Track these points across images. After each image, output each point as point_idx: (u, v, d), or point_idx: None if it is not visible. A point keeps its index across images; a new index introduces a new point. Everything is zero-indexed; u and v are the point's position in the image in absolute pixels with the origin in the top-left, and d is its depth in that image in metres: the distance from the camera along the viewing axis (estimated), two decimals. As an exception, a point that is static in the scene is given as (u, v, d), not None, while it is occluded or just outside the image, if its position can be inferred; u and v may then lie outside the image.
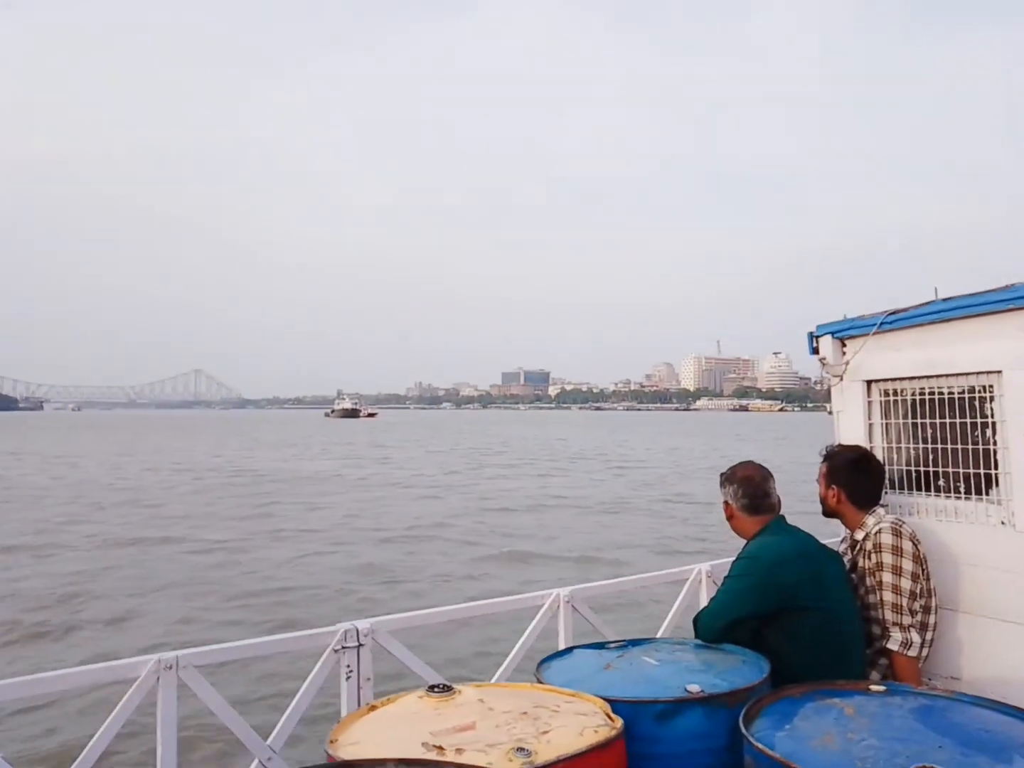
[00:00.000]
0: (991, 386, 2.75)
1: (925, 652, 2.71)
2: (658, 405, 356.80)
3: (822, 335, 3.24)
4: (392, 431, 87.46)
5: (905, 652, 2.66)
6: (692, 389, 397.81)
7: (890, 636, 2.69)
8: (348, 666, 2.85)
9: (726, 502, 2.87)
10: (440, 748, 1.67)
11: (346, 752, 1.68)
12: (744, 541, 2.80)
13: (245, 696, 6.39)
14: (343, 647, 2.84)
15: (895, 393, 3.09)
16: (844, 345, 3.21)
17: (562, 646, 3.27)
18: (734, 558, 2.78)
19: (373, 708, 1.99)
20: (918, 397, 3.00)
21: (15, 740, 6.12)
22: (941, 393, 2.92)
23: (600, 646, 2.56)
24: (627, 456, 43.21)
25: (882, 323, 3.00)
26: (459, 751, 1.65)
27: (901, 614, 2.69)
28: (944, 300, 2.83)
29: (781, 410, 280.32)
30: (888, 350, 3.03)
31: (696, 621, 2.64)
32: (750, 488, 2.80)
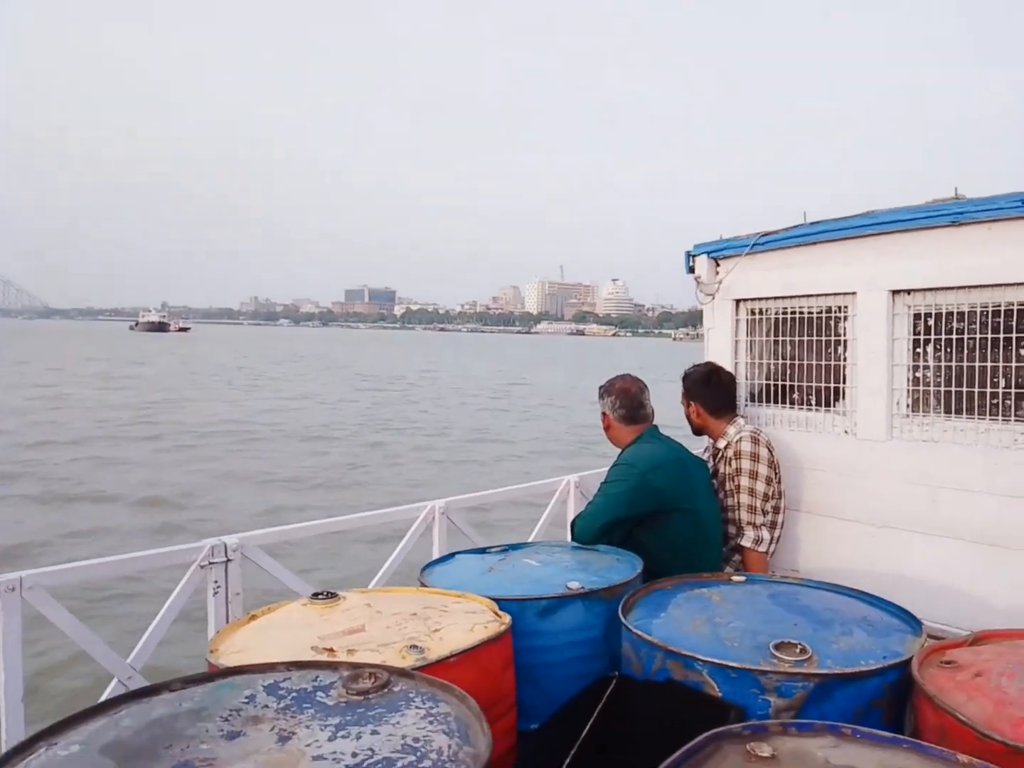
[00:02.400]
0: (846, 307, 2.97)
1: (773, 548, 2.99)
2: (502, 328, 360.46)
3: (698, 254, 3.36)
4: (187, 347, 78.82)
5: (756, 548, 2.92)
6: (535, 313, 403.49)
7: (744, 534, 2.93)
8: (216, 582, 2.74)
9: (604, 413, 2.97)
10: (331, 650, 1.64)
11: (229, 660, 1.61)
12: (619, 450, 2.92)
13: (104, 616, 6.04)
14: (210, 562, 2.72)
15: (760, 312, 3.27)
16: (718, 265, 3.34)
17: (436, 556, 3.32)
18: (608, 467, 2.90)
19: (254, 617, 1.92)
20: (781, 316, 3.20)
21: None
22: (802, 312, 3.13)
23: (482, 551, 2.61)
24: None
25: (755, 244, 3.14)
26: (351, 652, 1.63)
27: (755, 514, 2.93)
28: (811, 224, 3.00)
29: (614, 335, 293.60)
30: (758, 270, 3.20)
31: (573, 525, 2.75)
32: (626, 399, 2.91)
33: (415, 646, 1.65)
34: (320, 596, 1.99)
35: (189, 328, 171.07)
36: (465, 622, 1.81)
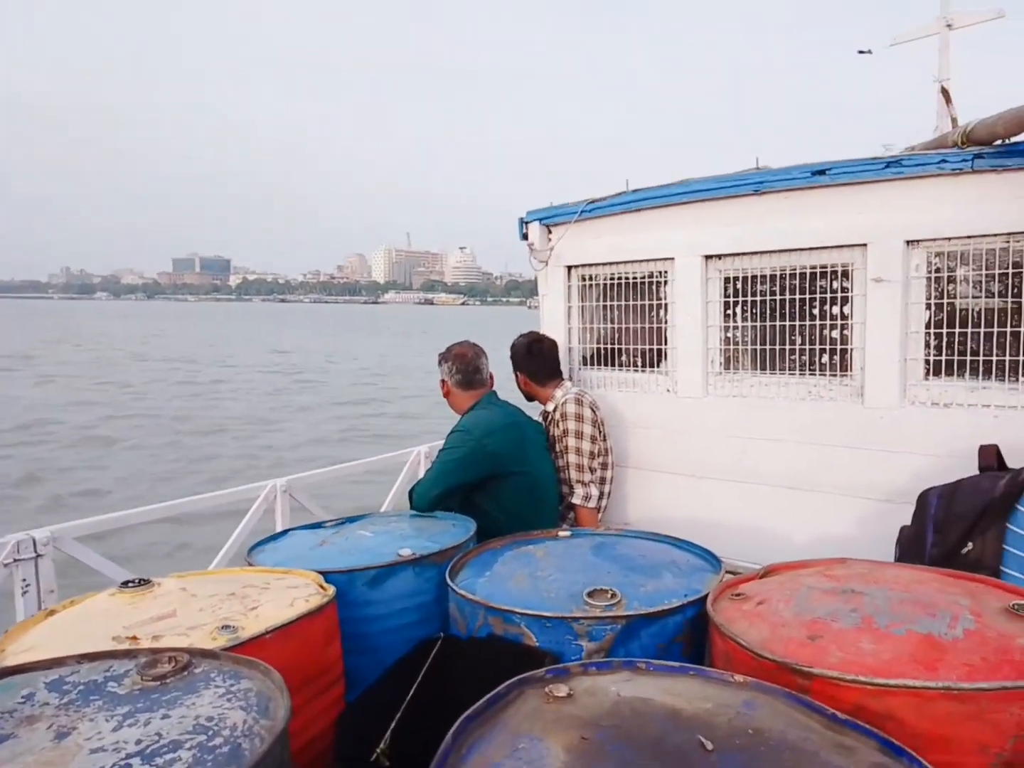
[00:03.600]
0: (666, 271, 3.14)
1: (604, 503, 3.15)
2: (347, 298, 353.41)
3: (531, 221, 3.42)
4: None
5: (586, 504, 3.06)
6: (382, 282, 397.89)
7: (574, 492, 3.07)
8: (24, 580, 2.53)
9: (442, 380, 2.98)
10: (134, 638, 1.55)
11: (16, 660, 1.48)
12: (458, 416, 2.95)
13: None
14: (15, 559, 2.51)
15: (590, 278, 3.40)
16: (550, 232, 3.42)
17: (275, 535, 3.23)
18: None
19: (52, 613, 1.78)
20: (609, 281, 3.33)
21: None
22: (627, 278, 3.27)
23: (317, 525, 2.57)
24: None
25: (582, 211, 3.24)
26: (156, 638, 1.56)
27: (583, 472, 3.07)
28: (633, 192, 3.13)
29: (463, 304, 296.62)
30: (587, 237, 3.30)
31: (411, 494, 2.75)
32: (463, 364, 2.94)
33: (227, 626, 1.59)
34: (131, 584, 1.88)
35: None
36: (285, 597, 1.77)
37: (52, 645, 1.57)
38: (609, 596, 1.76)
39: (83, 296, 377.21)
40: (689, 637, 1.76)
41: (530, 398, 3.29)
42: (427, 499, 2.67)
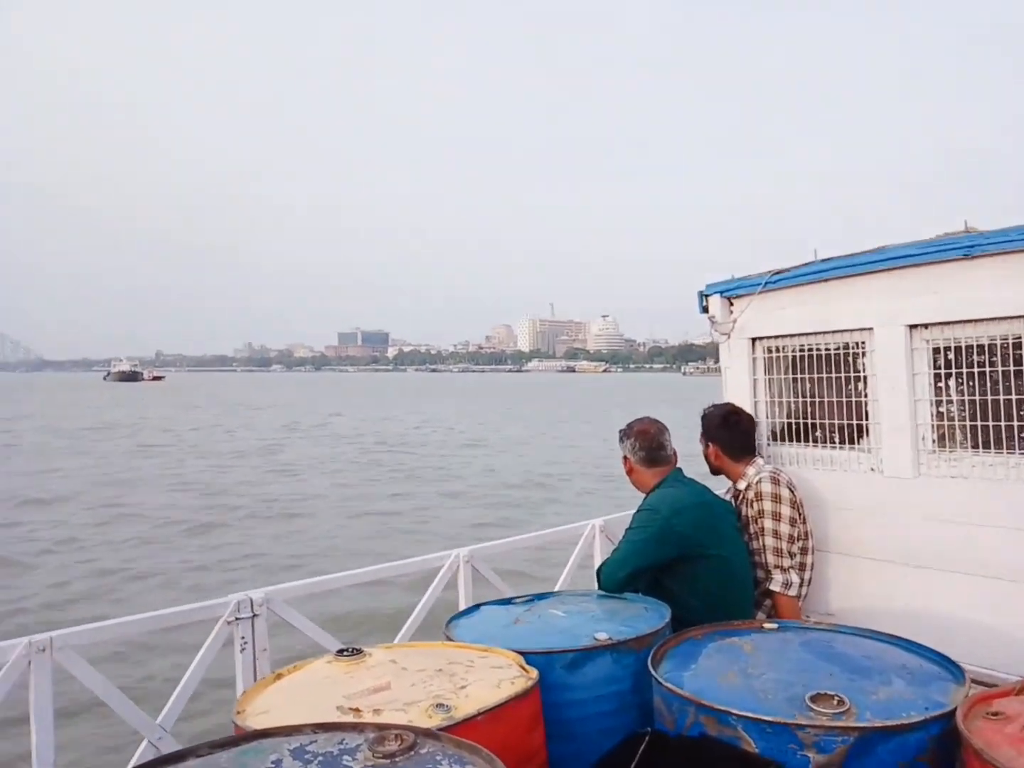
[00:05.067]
0: (863, 342, 2.95)
1: (804, 591, 2.93)
2: (493, 367, 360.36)
3: (711, 294, 3.37)
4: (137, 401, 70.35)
5: (786, 592, 2.85)
6: (527, 351, 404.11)
7: (772, 578, 2.87)
8: (243, 638, 2.73)
9: (625, 457, 2.95)
10: (356, 710, 1.62)
11: (255, 722, 1.60)
12: (643, 495, 2.90)
13: (131, 675, 6.03)
14: (236, 618, 2.72)
15: (777, 350, 3.26)
16: (731, 304, 3.35)
17: (463, 606, 3.28)
18: (633, 511, 2.87)
19: (279, 676, 1.91)
20: (798, 353, 3.18)
21: None
22: (819, 349, 3.11)
23: (507, 602, 2.58)
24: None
25: (766, 283, 3.14)
26: (376, 712, 1.61)
27: (781, 557, 2.88)
28: (823, 261, 3.00)
29: (605, 371, 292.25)
30: (772, 309, 3.19)
31: (599, 573, 2.71)
32: (646, 441, 2.90)
33: (441, 704, 1.62)
34: (345, 653, 1.97)
35: (163, 377, 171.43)
36: (491, 677, 1.78)
37: (284, 709, 1.67)
38: (835, 703, 1.61)
39: (261, 368, 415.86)
40: (934, 757, 1.57)
41: (716, 472, 3.16)
42: (615, 580, 2.61)
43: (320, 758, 1.32)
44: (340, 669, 1.89)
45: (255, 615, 2.77)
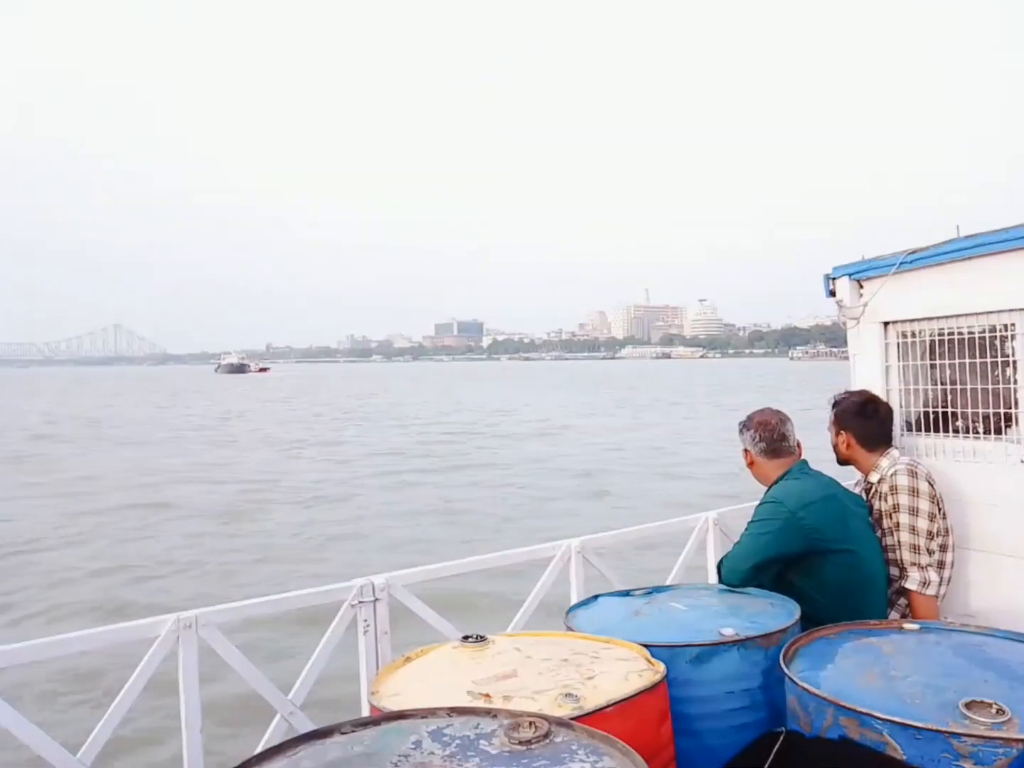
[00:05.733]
0: (1012, 324, 2.72)
1: (943, 591, 2.74)
2: (586, 354, 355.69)
3: (839, 277, 3.19)
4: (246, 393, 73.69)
5: (924, 591, 2.68)
6: (621, 338, 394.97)
7: (908, 576, 2.71)
8: (365, 621, 2.84)
9: (745, 449, 2.86)
10: (487, 696, 1.64)
11: (390, 703, 1.65)
12: (765, 488, 2.80)
13: (260, 652, 6.43)
14: (360, 602, 2.82)
15: (912, 335, 3.06)
16: (861, 287, 3.16)
17: (574, 597, 3.28)
18: (756, 503, 2.78)
19: (408, 660, 1.96)
20: (936, 338, 2.97)
21: (36, 702, 6.08)
22: (960, 333, 2.89)
23: (625, 593, 2.56)
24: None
25: (901, 263, 2.95)
26: (506, 698, 1.63)
27: (919, 554, 2.70)
28: (966, 237, 2.78)
29: (702, 356, 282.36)
30: (907, 290, 2.99)
31: (720, 566, 2.64)
32: (767, 432, 2.80)
33: (570, 694, 1.63)
34: (470, 639, 2.00)
35: (268, 369, 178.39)
36: (618, 670, 1.77)
37: (416, 692, 1.72)
38: (995, 711, 1.50)
39: (362, 359, 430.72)
40: (1110, 777, 1.43)
41: (845, 462, 3.00)
42: (738, 574, 2.53)
43: (458, 741, 1.35)
44: (466, 655, 1.92)
45: (376, 599, 2.87)
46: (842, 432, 2.93)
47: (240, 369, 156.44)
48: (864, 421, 2.89)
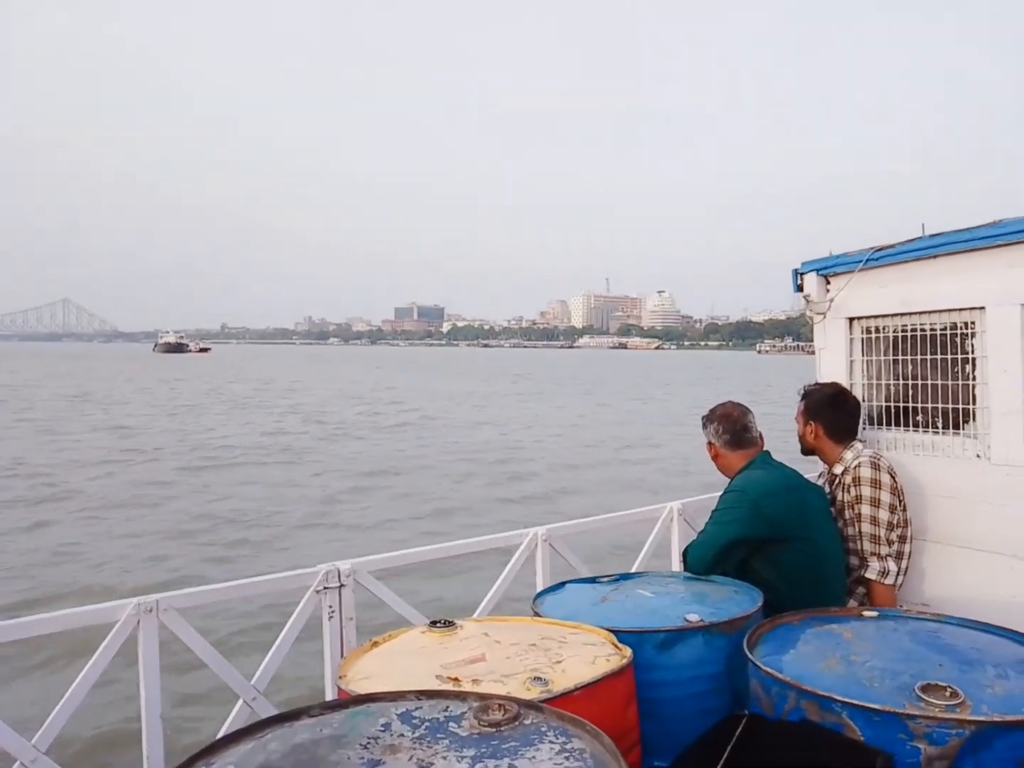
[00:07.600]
0: (973, 322, 2.80)
1: (900, 580, 2.82)
2: (545, 343, 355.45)
3: (807, 272, 3.25)
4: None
5: (882, 580, 2.75)
6: (580, 327, 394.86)
7: (868, 565, 2.78)
8: (330, 606, 2.82)
9: (709, 442, 2.89)
10: (456, 679, 1.65)
11: (358, 687, 1.65)
12: (728, 479, 2.84)
13: (223, 638, 6.33)
14: (325, 588, 2.80)
15: (877, 330, 3.12)
16: (828, 282, 3.22)
17: (540, 584, 3.30)
18: (718, 494, 2.82)
19: (376, 644, 1.96)
20: (900, 334, 3.04)
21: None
22: (923, 330, 2.96)
23: (592, 580, 2.58)
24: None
25: (868, 260, 3.01)
26: (475, 682, 1.64)
27: (879, 544, 2.77)
28: (931, 236, 2.85)
29: (658, 348, 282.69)
30: (872, 287, 3.06)
31: (685, 553, 2.67)
32: (730, 424, 2.84)
33: (539, 678, 1.64)
34: (438, 624, 2.01)
35: (209, 349, 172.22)
36: (586, 654, 1.79)
37: (385, 676, 1.71)
38: (948, 694, 1.54)
39: (319, 342, 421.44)
40: (1057, 756, 1.49)
41: (809, 453, 3.05)
42: (702, 561, 2.57)
43: (427, 723, 1.35)
44: (434, 639, 1.93)
45: (342, 585, 2.85)
46: (811, 423, 2.98)
47: (178, 348, 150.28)
48: (834, 413, 2.95)
